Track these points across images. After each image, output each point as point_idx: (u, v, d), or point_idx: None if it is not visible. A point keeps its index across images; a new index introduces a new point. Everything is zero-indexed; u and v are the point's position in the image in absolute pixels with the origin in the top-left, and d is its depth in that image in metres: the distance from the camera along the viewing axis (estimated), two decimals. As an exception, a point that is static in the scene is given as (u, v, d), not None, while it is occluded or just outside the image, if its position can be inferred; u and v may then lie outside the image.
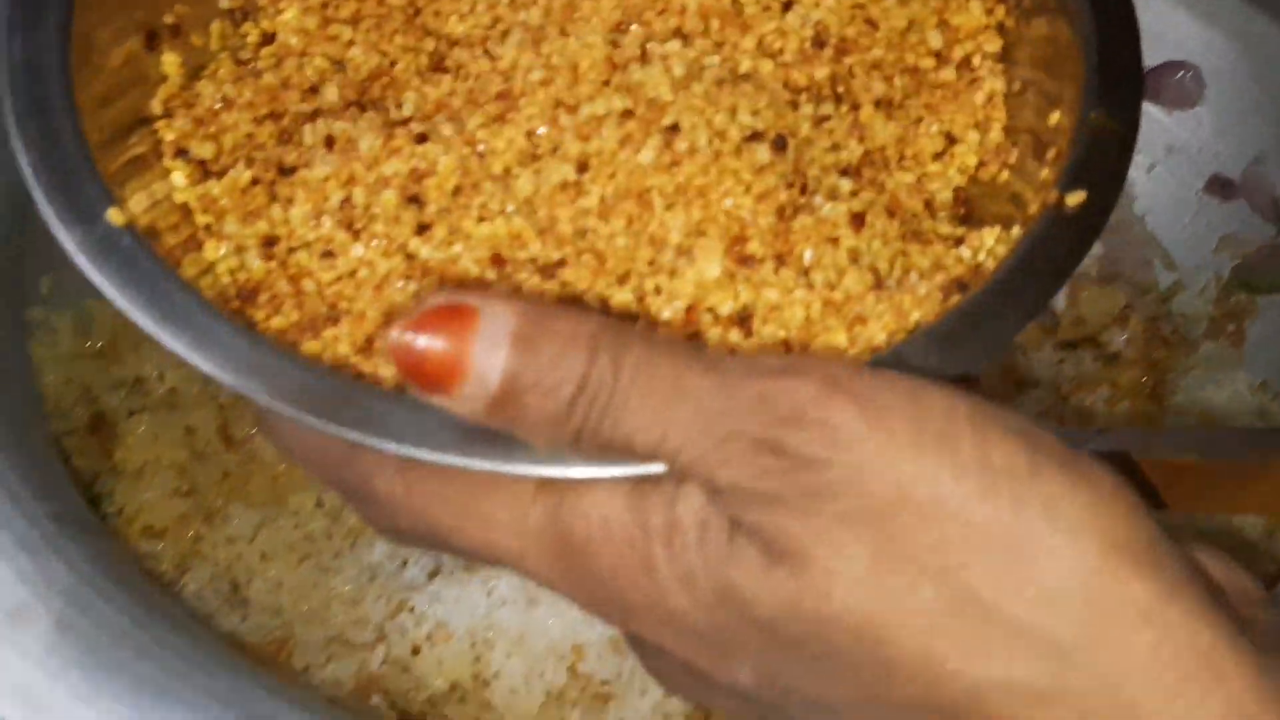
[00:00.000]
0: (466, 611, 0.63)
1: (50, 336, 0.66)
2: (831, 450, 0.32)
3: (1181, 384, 0.72)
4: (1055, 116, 0.42)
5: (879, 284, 0.39)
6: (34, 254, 0.65)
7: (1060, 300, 0.75)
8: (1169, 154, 0.74)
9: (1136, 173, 0.75)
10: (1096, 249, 0.77)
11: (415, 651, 0.63)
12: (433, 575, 0.65)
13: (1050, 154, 0.42)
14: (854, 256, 0.40)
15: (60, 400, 0.65)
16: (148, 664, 0.51)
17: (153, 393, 0.67)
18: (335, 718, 0.57)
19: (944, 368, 0.36)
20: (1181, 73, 0.73)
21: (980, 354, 0.37)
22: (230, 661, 0.55)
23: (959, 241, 0.41)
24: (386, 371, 0.38)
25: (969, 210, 0.44)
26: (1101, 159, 0.40)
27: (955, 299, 0.39)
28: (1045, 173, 0.41)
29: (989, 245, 0.41)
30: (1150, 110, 0.74)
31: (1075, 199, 0.39)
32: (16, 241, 0.64)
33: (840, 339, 0.38)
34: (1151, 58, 0.74)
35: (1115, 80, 0.42)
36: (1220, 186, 0.73)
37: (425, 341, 0.34)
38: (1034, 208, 0.41)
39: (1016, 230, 0.40)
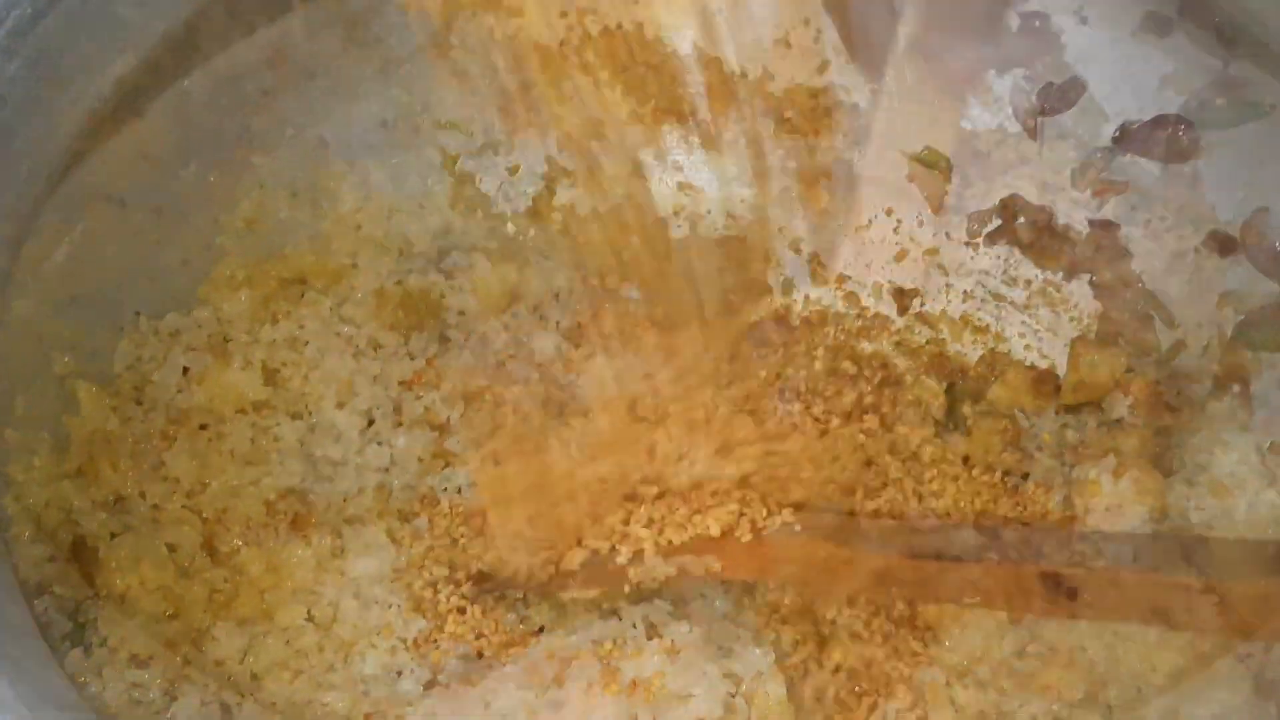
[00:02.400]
0: (462, 729, 0.61)
1: (27, 459, 0.64)
2: None
3: (1189, 445, 0.69)
4: None
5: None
6: (6, 373, 0.63)
7: (1061, 364, 0.73)
8: (1165, 209, 0.72)
9: (1132, 229, 0.73)
10: (1095, 307, 0.75)
11: (409, 773, 0.61)
12: (428, 687, 0.63)
13: None
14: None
15: (42, 524, 0.63)
16: None
17: (134, 510, 0.64)
18: None
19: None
20: (1174, 127, 0.71)
21: None
22: None
23: None
24: None
25: None
26: None
27: None
28: None
29: None
30: (1144, 165, 0.72)
31: None
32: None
33: None
34: (1144, 111, 0.72)
35: None
36: (1219, 242, 0.71)
37: None
38: None
39: None
